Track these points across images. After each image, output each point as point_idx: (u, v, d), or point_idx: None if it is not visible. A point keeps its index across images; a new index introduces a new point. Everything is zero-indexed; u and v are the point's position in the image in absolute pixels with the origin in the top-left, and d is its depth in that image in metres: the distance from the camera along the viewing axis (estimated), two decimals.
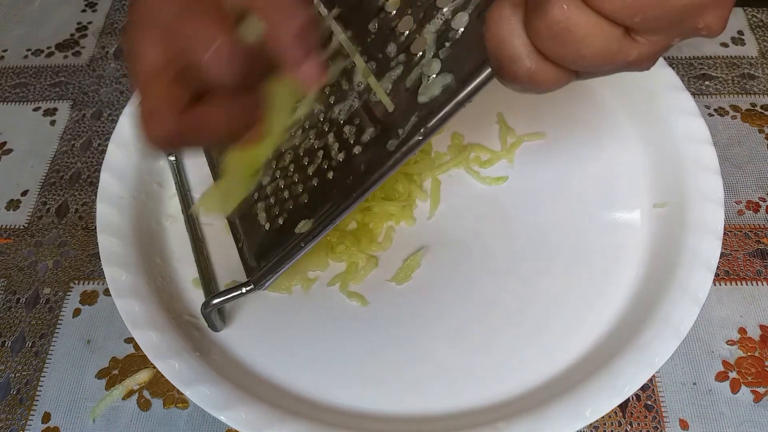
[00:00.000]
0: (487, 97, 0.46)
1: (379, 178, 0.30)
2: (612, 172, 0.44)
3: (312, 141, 0.34)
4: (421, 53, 0.29)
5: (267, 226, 0.36)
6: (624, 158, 0.45)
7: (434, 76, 0.28)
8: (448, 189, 0.44)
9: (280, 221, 0.35)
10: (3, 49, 0.57)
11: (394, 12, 0.30)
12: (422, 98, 0.28)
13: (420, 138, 0.28)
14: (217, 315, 0.38)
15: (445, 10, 0.27)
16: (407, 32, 0.29)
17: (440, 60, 0.28)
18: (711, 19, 0.21)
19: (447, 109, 0.27)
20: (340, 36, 0.33)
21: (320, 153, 0.34)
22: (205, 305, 0.36)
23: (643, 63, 0.22)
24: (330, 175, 0.32)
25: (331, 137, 0.33)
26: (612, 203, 0.43)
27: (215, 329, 0.39)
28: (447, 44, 0.27)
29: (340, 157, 0.32)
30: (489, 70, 0.25)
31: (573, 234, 0.42)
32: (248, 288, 0.35)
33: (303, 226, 0.33)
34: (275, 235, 0.35)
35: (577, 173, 0.44)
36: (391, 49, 0.30)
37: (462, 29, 0.27)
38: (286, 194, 0.35)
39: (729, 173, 0.46)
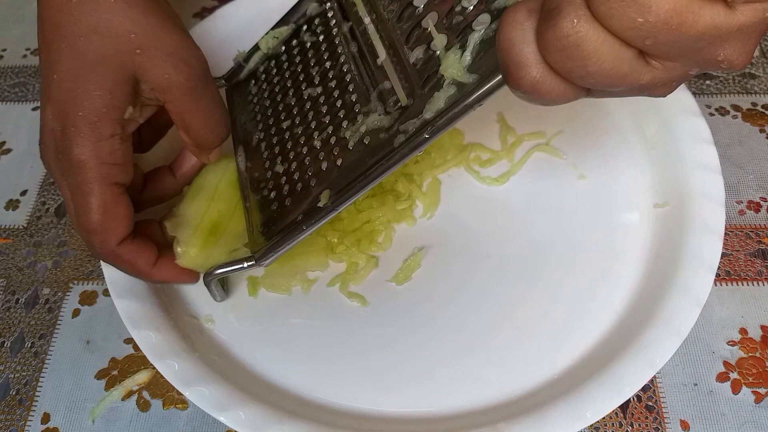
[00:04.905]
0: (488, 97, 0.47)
1: (382, 172, 0.31)
2: (612, 171, 0.44)
3: (326, 129, 0.35)
4: (439, 51, 0.29)
5: (275, 206, 0.36)
6: (624, 158, 0.44)
7: (449, 80, 0.28)
8: (448, 189, 0.44)
9: (287, 203, 0.36)
10: (2, 48, 0.57)
11: (422, 7, 0.31)
12: (428, 114, 0.29)
13: (427, 136, 0.29)
14: (219, 285, 0.38)
15: (468, 7, 0.28)
16: (430, 28, 0.30)
17: (459, 62, 0.28)
18: (732, 51, 0.19)
19: (456, 110, 0.27)
20: (370, 30, 0.34)
21: (332, 140, 0.35)
22: (207, 274, 0.37)
23: (657, 89, 0.21)
24: (338, 161, 0.34)
25: (343, 130, 0.34)
26: (612, 203, 0.43)
27: (215, 298, 0.39)
28: (466, 46, 0.28)
29: (351, 145, 0.33)
30: (500, 76, 0.25)
31: (573, 234, 0.42)
32: (249, 263, 0.35)
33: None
34: (282, 216, 0.36)
35: (577, 173, 0.44)
36: (414, 44, 0.31)
37: (481, 33, 0.27)
38: (296, 176, 0.36)
39: (730, 173, 0.46)
